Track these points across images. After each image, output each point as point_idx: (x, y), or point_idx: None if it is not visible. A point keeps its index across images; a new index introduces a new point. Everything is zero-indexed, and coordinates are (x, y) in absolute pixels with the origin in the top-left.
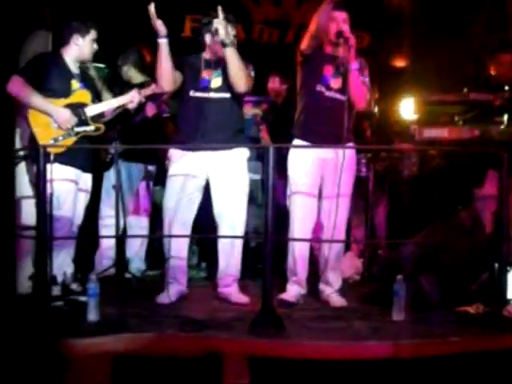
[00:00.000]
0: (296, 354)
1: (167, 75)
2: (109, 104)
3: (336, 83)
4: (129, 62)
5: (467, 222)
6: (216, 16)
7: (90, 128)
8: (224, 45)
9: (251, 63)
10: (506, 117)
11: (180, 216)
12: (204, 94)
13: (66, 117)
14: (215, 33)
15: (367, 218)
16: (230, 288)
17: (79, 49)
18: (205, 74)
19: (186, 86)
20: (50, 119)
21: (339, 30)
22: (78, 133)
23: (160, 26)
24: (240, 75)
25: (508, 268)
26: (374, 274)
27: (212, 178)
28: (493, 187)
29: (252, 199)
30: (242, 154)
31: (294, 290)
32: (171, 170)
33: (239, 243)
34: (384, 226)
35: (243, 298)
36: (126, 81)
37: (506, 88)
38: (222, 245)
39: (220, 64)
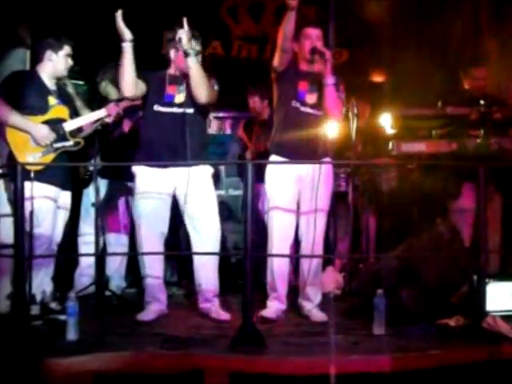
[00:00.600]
0: (277, 369)
1: (129, 79)
2: (87, 118)
3: (311, 98)
4: (106, 78)
5: (445, 234)
6: (180, 27)
7: (69, 143)
8: (186, 54)
9: (214, 77)
10: (482, 130)
11: (151, 234)
12: (167, 108)
13: (45, 133)
14: (178, 41)
15: (350, 231)
16: (210, 303)
17: (53, 65)
18: (169, 90)
19: (150, 100)
20: (29, 136)
21: (313, 46)
22: (57, 149)
23: (124, 29)
24: (201, 85)
25: (487, 280)
26: (354, 288)
27: (180, 195)
28: (469, 200)
29: (232, 215)
30: (207, 170)
31: (274, 307)
32: (138, 188)
33: (215, 258)
34: (374, 240)
35: (224, 315)
36: (104, 96)
37: (482, 102)
38: (197, 260)
39: (184, 80)
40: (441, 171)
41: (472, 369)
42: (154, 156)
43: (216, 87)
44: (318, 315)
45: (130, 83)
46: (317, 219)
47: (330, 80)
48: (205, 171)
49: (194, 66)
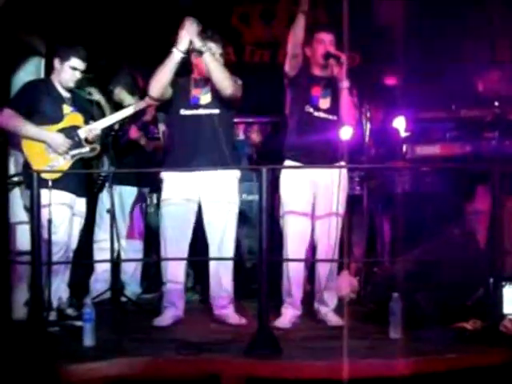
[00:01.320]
0: (293, 374)
1: (163, 82)
2: (101, 123)
3: (324, 103)
4: (120, 85)
5: (461, 237)
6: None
7: (85, 149)
8: (200, 52)
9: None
10: (496, 133)
11: (176, 241)
12: (194, 111)
13: (60, 141)
14: (191, 44)
15: (365, 235)
16: (226, 310)
17: (58, 73)
18: (194, 93)
19: (176, 105)
20: (45, 146)
21: (326, 50)
22: (73, 156)
23: (184, 39)
24: (224, 79)
25: (503, 283)
26: (369, 292)
27: (204, 200)
28: (484, 202)
29: (246, 220)
30: (233, 174)
31: (288, 314)
32: (165, 194)
33: (230, 263)
34: (389, 243)
35: (240, 319)
36: (118, 103)
37: (496, 104)
38: (213, 266)
39: (208, 82)
40: (455, 174)
41: (489, 372)
42: (181, 160)
43: (239, 82)
44: (334, 319)
45: (162, 86)
46: (332, 224)
47: (345, 84)
48: (232, 175)
49: (210, 62)
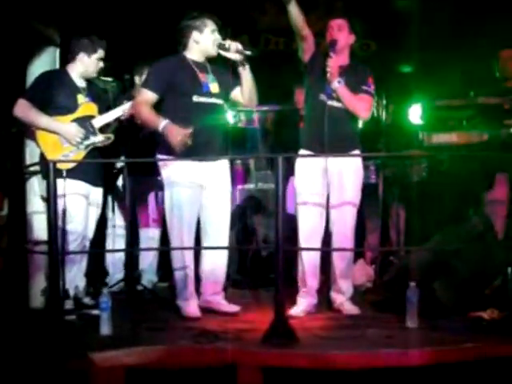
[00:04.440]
0: (309, 363)
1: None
2: (115, 113)
3: None
4: (141, 74)
5: (478, 226)
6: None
7: (99, 139)
8: (243, 65)
9: None
10: None
11: (188, 226)
12: (207, 99)
13: (74, 131)
14: (238, 51)
15: (381, 224)
16: (219, 296)
17: (85, 66)
18: (202, 78)
19: (186, 90)
20: (58, 137)
21: (331, 38)
22: (87, 145)
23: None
24: (255, 93)
25: None
26: (386, 280)
27: (207, 186)
28: (502, 191)
29: (261, 208)
30: (229, 163)
31: (304, 303)
32: (174, 178)
33: (225, 252)
34: (403, 232)
35: (233, 307)
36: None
37: None
38: (208, 252)
39: (208, 67)
40: (473, 162)
41: (508, 363)
42: (192, 147)
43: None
44: (350, 308)
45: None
46: (347, 212)
47: (334, 84)
48: (228, 165)
49: (250, 75)
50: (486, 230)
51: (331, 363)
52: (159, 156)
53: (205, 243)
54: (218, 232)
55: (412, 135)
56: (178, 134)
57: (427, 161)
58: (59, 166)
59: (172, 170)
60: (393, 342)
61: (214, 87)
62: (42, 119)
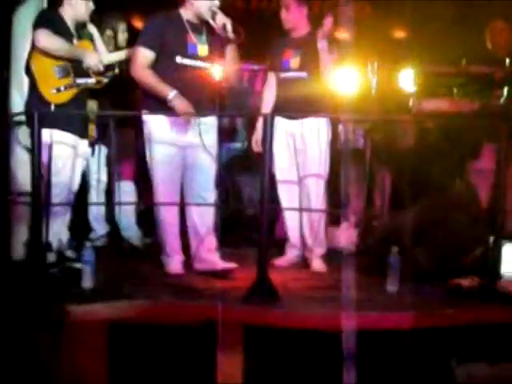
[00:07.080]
0: (290, 323)
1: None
2: (119, 55)
3: (295, 63)
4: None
5: (463, 194)
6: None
7: (92, 81)
8: (231, 41)
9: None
10: (505, 90)
11: (170, 182)
12: (191, 61)
13: (97, 59)
14: (223, 28)
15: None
16: (212, 254)
17: (73, 8)
18: (190, 39)
19: (170, 50)
20: (52, 68)
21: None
22: (79, 84)
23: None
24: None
25: (502, 241)
26: (369, 245)
27: (192, 144)
28: (489, 161)
29: (247, 168)
30: (215, 123)
31: (288, 254)
32: (156, 136)
33: (211, 209)
34: (389, 196)
35: (230, 264)
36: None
37: (508, 61)
38: (197, 209)
39: (202, 29)
40: (460, 131)
41: (486, 330)
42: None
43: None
44: (318, 265)
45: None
46: (311, 187)
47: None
48: (215, 124)
49: (233, 53)
50: (470, 199)
51: (311, 323)
52: (144, 111)
53: (190, 199)
54: (204, 189)
55: (402, 101)
56: (186, 108)
57: (415, 127)
58: (49, 98)
59: (154, 127)
60: (372, 304)
61: (203, 50)
62: (67, 46)
